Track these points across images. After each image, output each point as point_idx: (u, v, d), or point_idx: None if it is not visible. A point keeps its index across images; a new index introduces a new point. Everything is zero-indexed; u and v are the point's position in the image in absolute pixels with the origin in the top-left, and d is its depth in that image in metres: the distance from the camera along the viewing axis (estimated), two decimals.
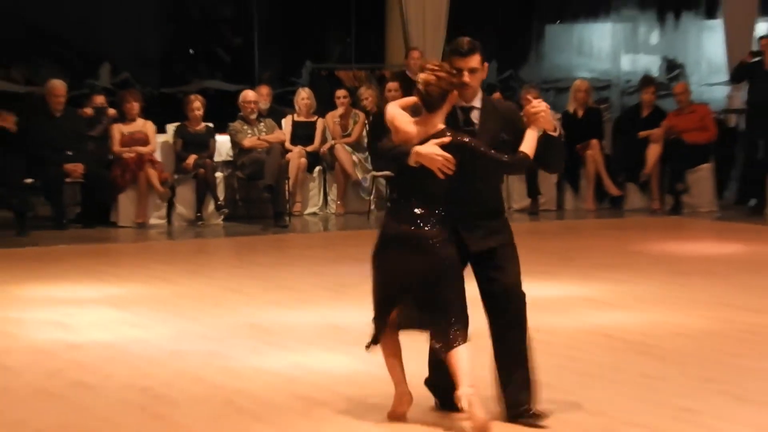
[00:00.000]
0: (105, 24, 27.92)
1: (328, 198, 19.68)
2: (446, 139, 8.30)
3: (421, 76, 8.45)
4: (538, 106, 8.52)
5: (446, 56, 8.69)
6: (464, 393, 8.12)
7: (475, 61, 8.53)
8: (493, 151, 8.44)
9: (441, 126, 8.42)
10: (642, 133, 20.35)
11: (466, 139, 8.40)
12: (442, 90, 8.39)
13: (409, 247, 8.38)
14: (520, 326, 8.54)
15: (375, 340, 8.66)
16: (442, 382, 8.53)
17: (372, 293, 8.65)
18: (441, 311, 8.35)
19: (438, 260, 8.33)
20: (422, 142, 8.35)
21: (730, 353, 10.70)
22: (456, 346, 8.26)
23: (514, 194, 20.16)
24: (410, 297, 8.43)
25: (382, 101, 19.51)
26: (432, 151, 8.25)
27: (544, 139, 8.46)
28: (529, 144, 8.43)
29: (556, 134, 8.52)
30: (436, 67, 8.47)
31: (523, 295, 8.52)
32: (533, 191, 20.01)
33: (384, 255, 8.54)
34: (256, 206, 18.64)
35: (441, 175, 8.23)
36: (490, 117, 8.55)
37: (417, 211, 8.36)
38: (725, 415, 8.79)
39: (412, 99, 8.70)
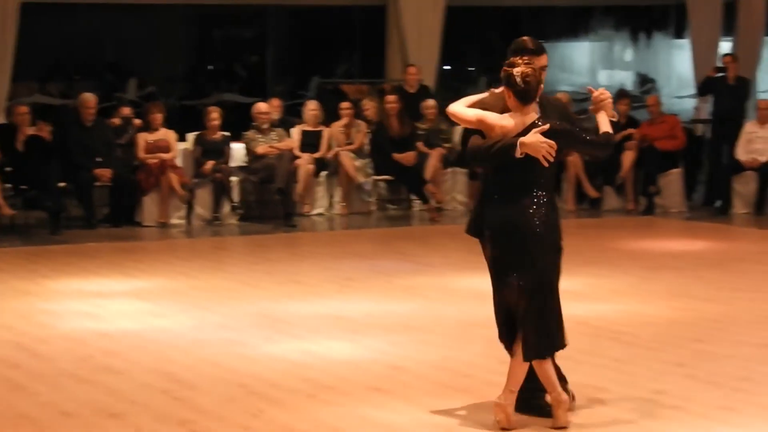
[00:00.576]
0: (133, 42, 27.91)
1: (333, 200, 19.66)
2: (546, 127, 8.08)
3: (518, 70, 8.16)
4: (604, 94, 8.54)
5: (517, 54, 8.39)
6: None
7: (545, 59, 8.51)
8: (586, 134, 8.42)
9: (535, 116, 8.24)
10: (617, 137, 20.31)
11: (566, 125, 8.30)
12: (538, 81, 8.20)
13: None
14: None
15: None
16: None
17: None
18: None
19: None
20: (521, 134, 8.12)
21: (696, 340, 10.75)
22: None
23: None
24: None
25: (382, 112, 19.53)
26: (537, 140, 8.04)
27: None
28: (606, 125, 8.31)
29: (615, 119, 8.51)
30: (528, 61, 8.29)
31: None
32: None
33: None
34: (268, 207, 18.62)
35: (545, 163, 8.06)
36: (547, 109, 8.35)
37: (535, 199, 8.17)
38: (693, 397, 8.86)
39: (476, 97, 8.53)
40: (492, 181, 8.32)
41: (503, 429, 7.99)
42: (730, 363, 9.93)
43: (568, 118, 8.51)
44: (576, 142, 8.40)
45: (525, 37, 8.70)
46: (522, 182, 8.13)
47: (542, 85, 8.28)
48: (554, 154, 8.02)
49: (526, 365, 8.04)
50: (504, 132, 8.15)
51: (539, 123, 8.12)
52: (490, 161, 8.22)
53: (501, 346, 8.20)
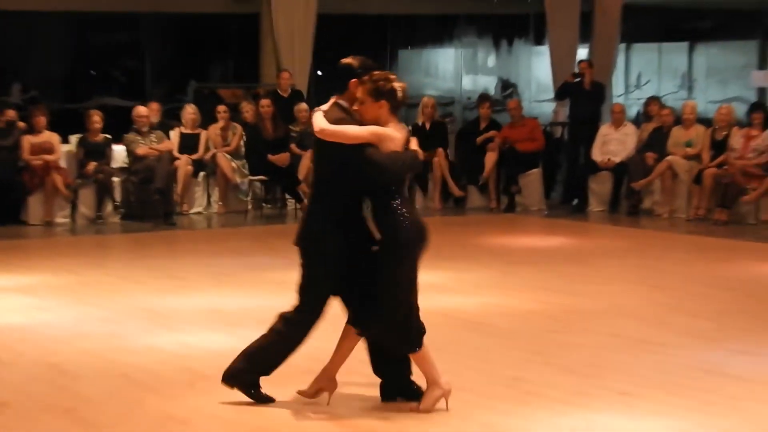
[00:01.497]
0: (15, 48, 27.67)
1: (211, 199, 19.69)
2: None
3: (398, 84, 8.23)
4: None
5: (371, 69, 8.32)
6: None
7: None
8: None
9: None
10: (479, 139, 20.53)
11: None
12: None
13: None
14: None
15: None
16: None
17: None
18: None
19: None
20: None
21: (551, 330, 10.93)
22: None
23: None
24: None
25: (257, 115, 19.56)
26: (418, 148, 8.25)
27: None
28: None
29: None
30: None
31: None
32: None
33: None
34: (149, 207, 18.56)
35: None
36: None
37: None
38: (551, 383, 8.98)
39: (337, 113, 8.21)
40: (391, 192, 8.17)
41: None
42: (582, 351, 10.11)
43: None
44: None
45: (359, 58, 8.57)
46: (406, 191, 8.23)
47: None
48: None
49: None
50: (399, 144, 8.14)
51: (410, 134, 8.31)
52: (405, 173, 8.21)
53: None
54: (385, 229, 8.11)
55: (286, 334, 8.38)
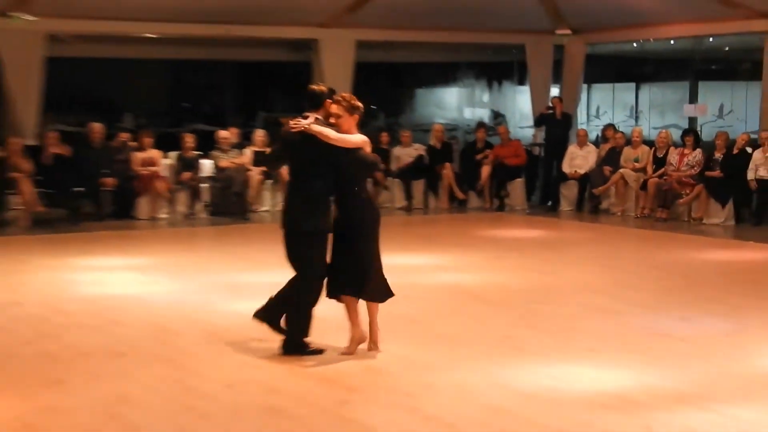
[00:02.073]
0: (128, 86, 27.75)
1: (275, 200, 19.64)
2: None
3: (359, 103, 8.47)
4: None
5: (334, 94, 8.51)
6: None
7: None
8: None
9: None
10: (477, 156, 20.50)
11: None
12: None
13: None
14: None
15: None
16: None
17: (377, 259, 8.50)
18: None
19: None
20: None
21: (533, 301, 10.88)
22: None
23: (396, 196, 20.30)
24: None
25: None
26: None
27: None
28: None
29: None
30: None
31: None
32: (408, 195, 20.11)
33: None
34: (229, 206, 18.54)
35: None
36: None
37: None
38: (534, 342, 9.01)
39: (321, 125, 8.31)
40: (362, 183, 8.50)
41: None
42: (557, 317, 10.09)
43: None
44: None
45: (321, 84, 8.79)
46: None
47: None
48: None
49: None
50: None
51: None
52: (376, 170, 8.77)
53: None
54: (355, 211, 8.36)
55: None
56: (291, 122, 8.40)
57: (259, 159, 18.52)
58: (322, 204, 8.37)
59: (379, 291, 8.53)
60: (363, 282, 8.38)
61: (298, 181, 8.46)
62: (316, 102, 8.47)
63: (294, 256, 8.51)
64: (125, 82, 27.59)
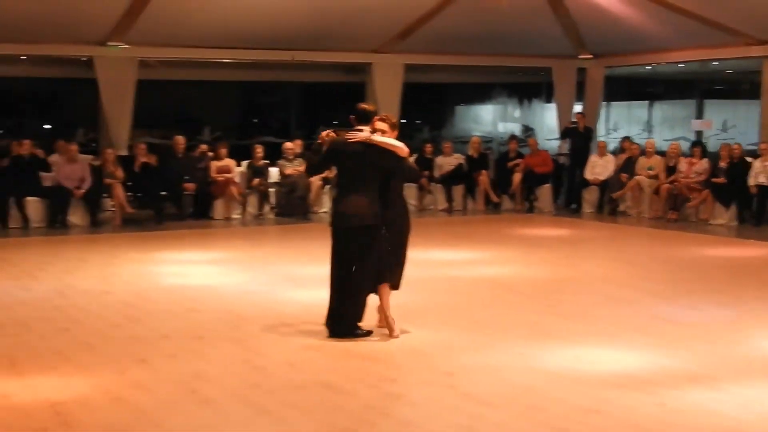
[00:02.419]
0: (207, 104, 27.91)
1: None
2: None
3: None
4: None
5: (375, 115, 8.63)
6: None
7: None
8: None
9: None
10: (510, 164, 20.39)
11: None
12: None
13: None
14: None
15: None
16: None
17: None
18: None
19: None
20: None
21: (559, 291, 10.84)
22: None
23: (439, 199, 20.23)
24: None
25: None
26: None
27: None
28: None
29: None
30: None
31: None
32: (449, 198, 20.03)
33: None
34: (293, 208, 18.55)
35: None
36: None
37: None
38: (559, 327, 8.94)
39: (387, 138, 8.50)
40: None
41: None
42: (579, 305, 10.00)
43: None
44: None
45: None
46: None
47: None
48: None
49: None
50: None
51: None
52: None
53: None
54: (397, 208, 8.49)
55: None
56: (348, 134, 8.43)
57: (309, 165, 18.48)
58: (377, 202, 8.36)
59: (399, 279, 8.61)
60: (394, 271, 8.51)
61: (356, 183, 8.40)
62: (366, 118, 8.57)
63: (354, 249, 8.40)
64: (204, 100, 27.77)
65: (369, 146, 8.32)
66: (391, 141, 8.40)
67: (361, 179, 8.41)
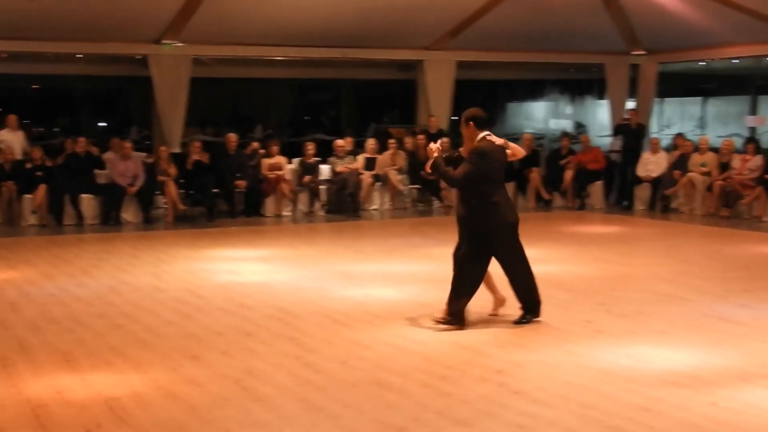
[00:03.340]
0: (259, 102, 28.08)
1: (384, 200, 19.64)
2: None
3: None
4: (434, 148, 8.72)
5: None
6: None
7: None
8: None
9: None
10: (562, 162, 20.29)
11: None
12: None
13: None
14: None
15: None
16: None
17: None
18: None
19: None
20: None
21: (611, 288, 10.73)
22: None
23: None
24: None
25: (415, 145, 19.53)
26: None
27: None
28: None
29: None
30: None
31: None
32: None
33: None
34: (343, 205, 18.60)
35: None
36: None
37: None
38: (611, 324, 8.87)
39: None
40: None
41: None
42: (631, 303, 9.90)
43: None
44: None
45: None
46: None
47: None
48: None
49: None
50: None
51: None
52: None
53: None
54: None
55: None
56: (501, 142, 8.77)
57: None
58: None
59: None
60: None
61: (503, 185, 8.82)
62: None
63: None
64: (256, 98, 27.91)
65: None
66: (514, 145, 8.88)
67: (503, 182, 8.80)
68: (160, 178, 17.47)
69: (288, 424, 6.10)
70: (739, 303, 9.85)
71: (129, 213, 17.28)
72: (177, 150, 18.74)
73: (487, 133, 8.64)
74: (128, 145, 17.65)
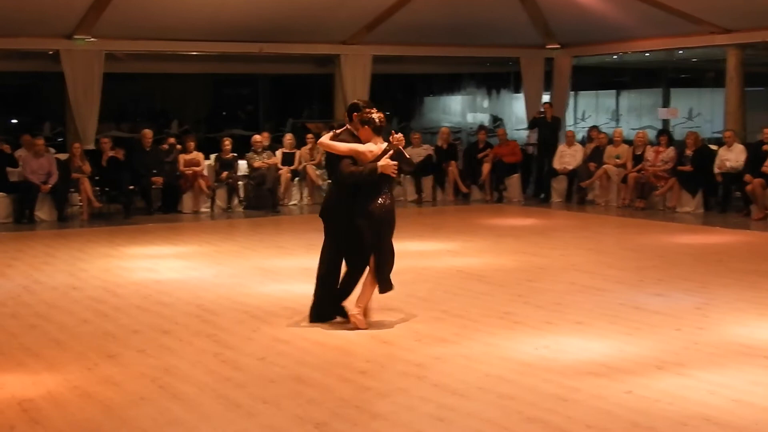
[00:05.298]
0: (175, 97, 27.84)
1: (303, 195, 19.59)
2: (392, 152, 8.34)
3: (379, 115, 8.49)
4: (400, 138, 8.53)
5: (368, 107, 8.58)
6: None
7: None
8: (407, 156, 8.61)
9: (383, 144, 8.42)
10: (479, 155, 20.40)
11: (400, 149, 8.48)
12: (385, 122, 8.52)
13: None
14: None
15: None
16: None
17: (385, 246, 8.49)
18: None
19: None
20: (378, 157, 8.33)
21: (528, 280, 10.82)
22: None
23: (408, 190, 20.22)
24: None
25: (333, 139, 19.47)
26: (388, 164, 8.26)
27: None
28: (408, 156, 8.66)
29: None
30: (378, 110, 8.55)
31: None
32: (418, 190, 20.03)
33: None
34: (262, 201, 18.51)
35: (395, 176, 8.37)
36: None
37: (384, 197, 8.37)
38: (529, 316, 8.94)
39: (331, 133, 8.63)
40: (359, 189, 8.42)
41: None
42: (549, 294, 10.00)
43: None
44: (402, 163, 8.44)
45: (363, 99, 8.95)
46: (377, 187, 8.36)
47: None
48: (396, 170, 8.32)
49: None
50: (368, 158, 8.36)
51: (388, 149, 8.38)
52: (363, 181, 8.33)
53: None
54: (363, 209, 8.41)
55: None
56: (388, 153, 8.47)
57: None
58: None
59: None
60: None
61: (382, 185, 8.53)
62: (348, 115, 8.77)
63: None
64: (172, 93, 27.67)
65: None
66: (329, 143, 8.54)
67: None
68: (75, 175, 17.22)
69: (206, 422, 6.05)
70: (653, 292, 10.00)
71: (43, 211, 17.00)
72: (91, 147, 18.47)
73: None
74: (41, 142, 17.34)
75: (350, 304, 8.62)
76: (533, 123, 21.71)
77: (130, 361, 7.45)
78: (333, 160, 8.58)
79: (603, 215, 17.70)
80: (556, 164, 19.93)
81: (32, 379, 7.00)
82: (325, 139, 8.60)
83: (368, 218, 8.34)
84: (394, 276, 8.56)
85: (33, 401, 6.44)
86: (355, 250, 8.52)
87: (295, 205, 19.37)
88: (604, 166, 18.96)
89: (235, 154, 19.03)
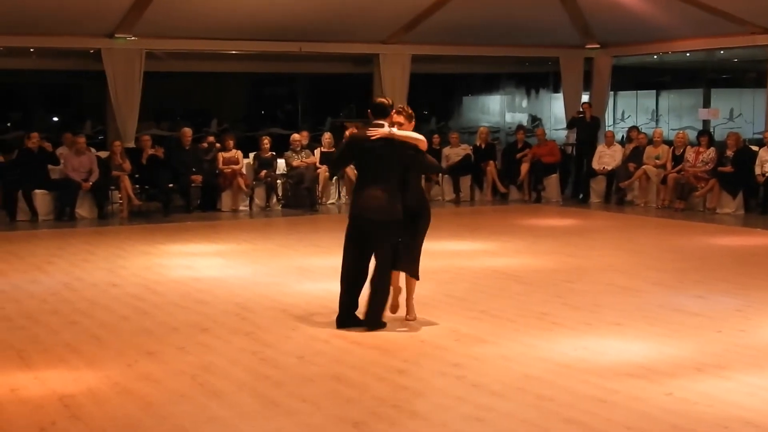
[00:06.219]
0: (214, 96, 27.95)
1: (341, 194, 19.61)
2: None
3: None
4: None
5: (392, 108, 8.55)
6: None
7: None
8: None
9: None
10: (518, 155, 20.35)
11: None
12: None
13: None
14: None
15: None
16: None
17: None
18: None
19: None
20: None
21: (566, 281, 10.76)
22: None
23: (446, 190, 20.21)
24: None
25: None
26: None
27: None
28: None
29: None
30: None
31: None
32: (456, 189, 20.00)
33: None
34: (300, 199, 18.55)
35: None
36: None
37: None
38: (567, 317, 8.89)
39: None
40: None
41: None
42: (587, 295, 9.95)
43: None
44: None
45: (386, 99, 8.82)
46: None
47: None
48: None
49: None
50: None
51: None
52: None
53: None
54: (420, 201, 8.49)
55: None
56: (370, 131, 8.35)
57: (326, 160, 18.50)
58: (397, 198, 8.34)
59: (417, 269, 8.61)
60: (413, 260, 8.54)
61: (376, 179, 8.37)
62: (384, 112, 8.51)
63: (371, 245, 8.46)
64: (212, 92, 27.79)
65: (388, 141, 8.30)
66: (411, 134, 8.38)
67: (381, 174, 8.36)
68: (115, 173, 17.34)
69: (244, 419, 6.07)
70: (693, 294, 9.93)
71: (83, 209, 17.12)
72: (131, 145, 18.60)
73: (380, 122, 8.41)
74: (82, 140, 17.47)
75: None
76: (572, 123, 21.62)
77: (169, 359, 7.49)
78: (411, 154, 8.40)
79: (642, 216, 17.59)
80: (595, 164, 19.84)
81: (73, 376, 7.05)
82: (413, 133, 8.44)
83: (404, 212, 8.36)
84: (432, 275, 8.56)
85: (73, 397, 6.49)
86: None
87: (333, 204, 19.40)
88: (644, 166, 18.85)
89: (274, 153, 19.08)
